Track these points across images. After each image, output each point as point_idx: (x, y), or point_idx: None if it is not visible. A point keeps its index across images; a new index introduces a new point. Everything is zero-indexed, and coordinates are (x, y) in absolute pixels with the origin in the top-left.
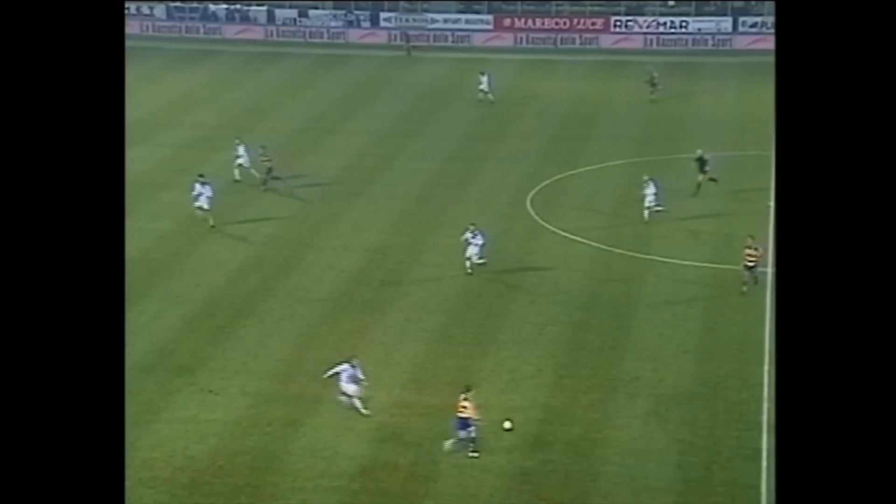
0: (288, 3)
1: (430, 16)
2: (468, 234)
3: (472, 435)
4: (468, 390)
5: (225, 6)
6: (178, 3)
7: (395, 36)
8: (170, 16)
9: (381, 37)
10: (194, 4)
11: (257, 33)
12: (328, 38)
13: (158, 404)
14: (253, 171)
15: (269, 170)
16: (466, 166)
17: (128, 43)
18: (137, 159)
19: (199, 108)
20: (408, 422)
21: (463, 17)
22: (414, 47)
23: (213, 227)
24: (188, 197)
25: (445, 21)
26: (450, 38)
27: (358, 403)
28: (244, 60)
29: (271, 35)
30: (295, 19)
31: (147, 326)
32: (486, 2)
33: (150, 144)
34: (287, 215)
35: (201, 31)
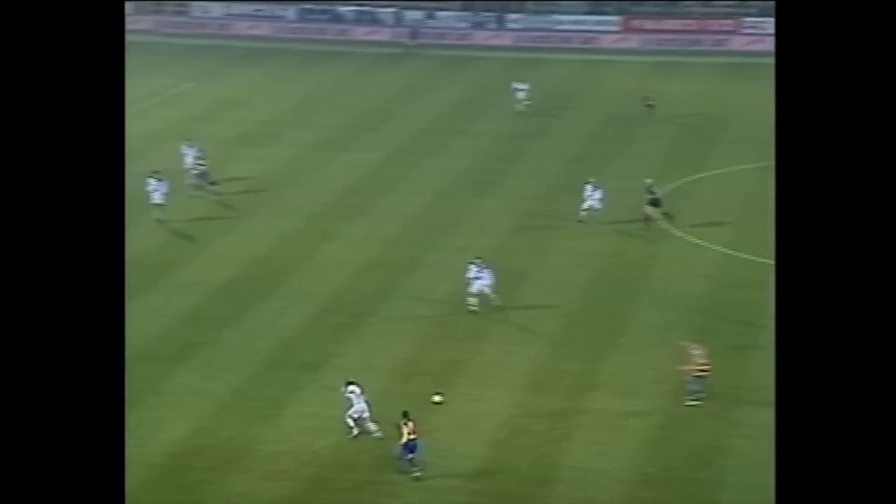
0: (415, 5)
1: (556, 17)
2: (473, 270)
3: (417, 456)
4: (406, 416)
5: (354, 8)
6: (309, 6)
7: (520, 38)
8: (301, 18)
9: (507, 38)
10: (325, 7)
11: (385, 35)
12: (454, 39)
13: (283, 400)
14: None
15: None
16: (590, 168)
17: (258, 45)
18: (265, 159)
19: (326, 108)
20: (527, 424)
21: (590, 18)
22: (417, 45)
23: (161, 221)
24: (313, 197)
25: (572, 22)
26: (576, 40)
27: (355, 426)
28: (371, 62)
29: (399, 37)
30: (422, 21)
31: (273, 323)
32: (614, 2)
33: (278, 145)
34: (409, 216)
35: (330, 32)
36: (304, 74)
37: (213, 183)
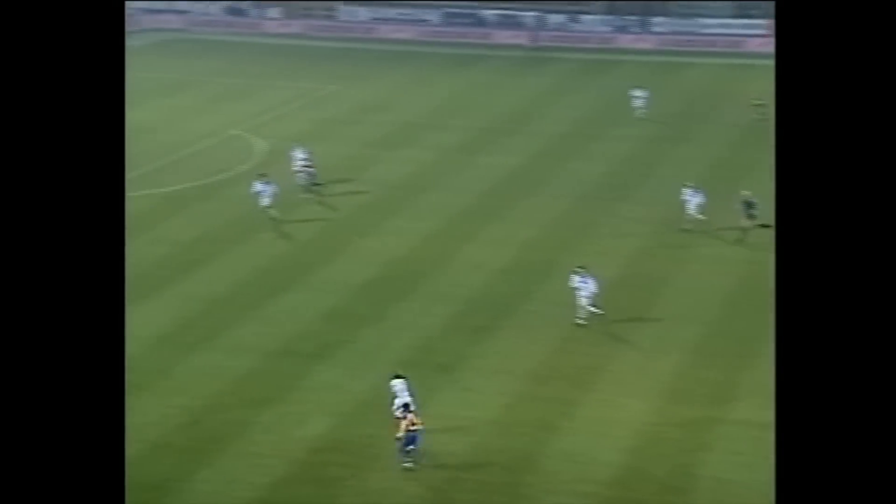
0: (559, 7)
1: (702, 20)
2: (577, 279)
3: (416, 447)
4: (406, 407)
5: (497, 12)
6: (452, 9)
7: (664, 41)
8: (444, 21)
9: (650, 42)
10: (468, 10)
11: (526, 38)
12: (597, 43)
13: (420, 399)
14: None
15: None
16: (733, 174)
17: (402, 48)
18: (405, 160)
19: (467, 111)
20: (664, 432)
21: (737, 21)
22: (536, 47)
23: (273, 218)
24: (453, 199)
25: (718, 26)
26: (722, 43)
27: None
28: (512, 65)
29: (541, 40)
30: (565, 24)
31: (411, 323)
32: (762, 1)
33: (419, 147)
34: (548, 219)
35: (473, 36)
36: (447, 77)
37: (316, 184)
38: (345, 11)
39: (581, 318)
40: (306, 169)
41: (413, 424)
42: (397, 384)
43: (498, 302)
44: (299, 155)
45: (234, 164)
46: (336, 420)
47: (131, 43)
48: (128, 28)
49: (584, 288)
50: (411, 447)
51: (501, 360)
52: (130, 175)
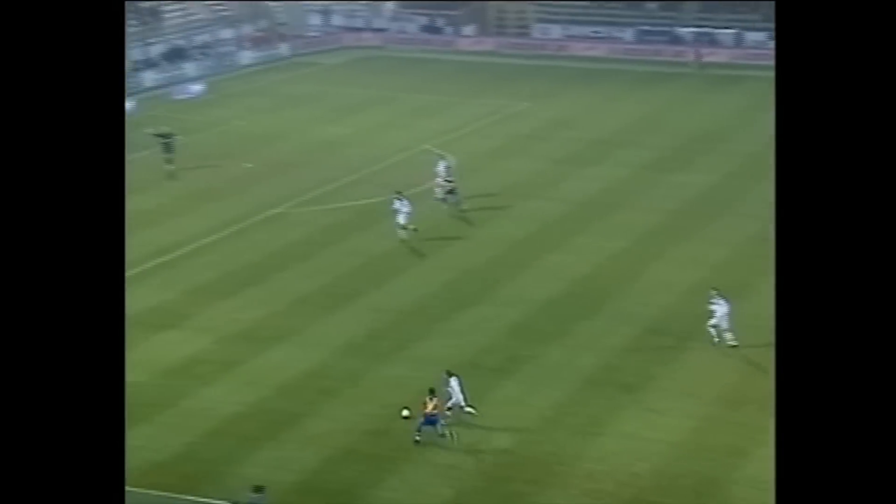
0: (760, 26)
1: None
2: (715, 303)
3: (436, 429)
4: (432, 392)
5: (693, 30)
6: (647, 27)
7: None
8: (638, 39)
9: None
10: (663, 28)
11: (724, 56)
12: None
13: (604, 418)
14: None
15: None
16: None
17: (594, 65)
18: (595, 177)
19: (658, 129)
20: None
21: None
22: (701, 65)
23: (404, 239)
24: (641, 217)
25: None
26: None
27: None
28: (708, 83)
29: (738, 58)
30: (763, 42)
31: (596, 341)
32: None
33: (608, 163)
34: (740, 240)
35: (667, 53)
36: (639, 95)
37: (450, 192)
38: (538, 29)
39: (716, 338)
40: (447, 183)
41: (435, 409)
42: (453, 382)
43: (685, 323)
44: (441, 168)
45: (425, 179)
46: (520, 435)
47: (332, 60)
48: (329, 45)
49: (717, 310)
50: (428, 427)
51: (688, 381)
52: (326, 188)
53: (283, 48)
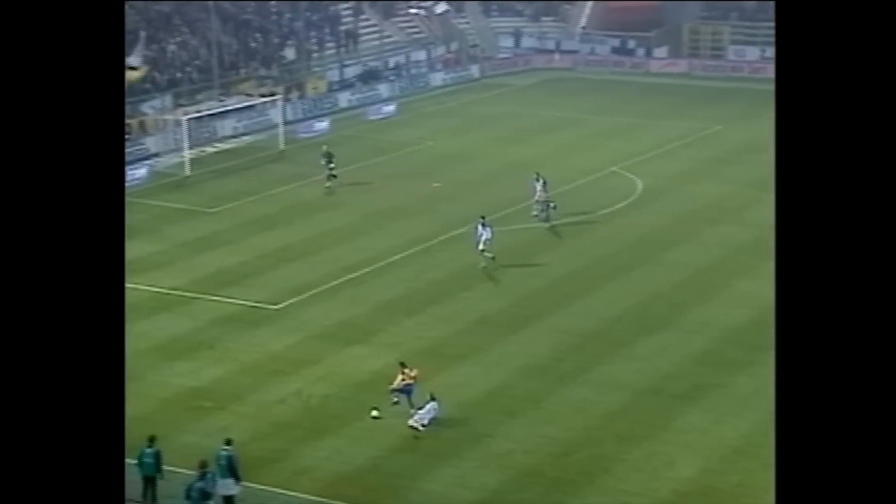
0: None
1: None
2: None
3: (409, 398)
4: (403, 365)
5: None
6: None
7: None
8: None
9: None
10: None
11: None
12: None
13: None
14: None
15: None
16: None
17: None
18: (702, 193)
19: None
20: None
21: None
22: None
23: (484, 267)
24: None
25: None
26: None
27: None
28: None
29: None
30: None
31: None
32: None
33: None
34: None
35: None
36: None
37: (549, 207)
38: (733, 50)
39: None
40: (543, 200)
41: (407, 379)
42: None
43: None
44: (538, 185)
45: (613, 201)
46: (705, 465)
47: (521, 81)
48: (519, 67)
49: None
50: (404, 396)
51: None
52: (512, 209)
53: (474, 69)
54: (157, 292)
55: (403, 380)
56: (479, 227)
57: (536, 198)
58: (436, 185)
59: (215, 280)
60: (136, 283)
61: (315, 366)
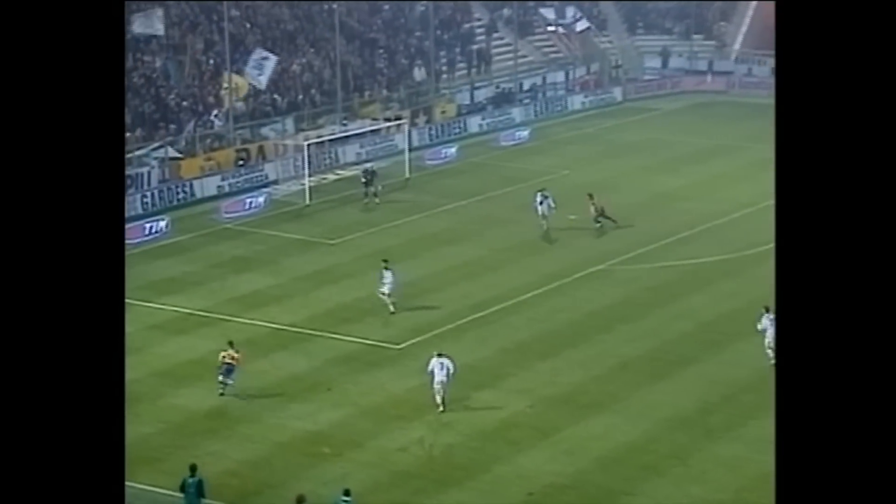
0: None
1: None
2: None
3: (229, 381)
4: (231, 345)
5: None
6: None
7: None
8: None
9: None
10: None
11: None
12: None
13: None
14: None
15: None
16: None
17: None
18: None
19: None
20: None
21: None
22: None
23: (392, 313)
24: None
25: None
26: None
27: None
28: None
29: None
30: None
31: None
32: None
33: None
34: None
35: None
36: None
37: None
38: None
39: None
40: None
41: (228, 359)
42: (441, 362)
43: None
44: (545, 202)
45: (770, 238)
46: None
47: (669, 105)
48: (666, 90)
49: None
50: (226, 378)
51: None
52: (656, 244)
53: (617, 92)
54: (274, 328)
55: (224, 358)
56: (383, 271)
57: (541, 214)
58: (572, 217)
59: (334, 316)
60: (252, 319)
61: (440, 411)
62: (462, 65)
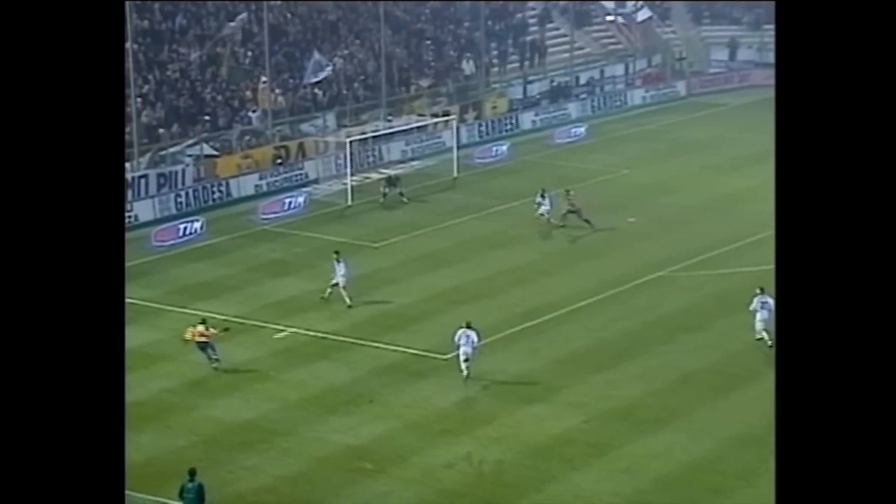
0: None
1: None
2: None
3: (214, 355)
4: (203, 322)
5: None
6: None
7: None
8: None
9: None
10: None
11: None
12: None
13: None
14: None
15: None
16: None
17: None
18: None
19: None
20: None
21: None
22: None
23: (323, 299)
24: None
25: None
26: None
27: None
28: None
29: None
30: None
31: None
32: None
33: None
34: None
35: None
36: None
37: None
38: None
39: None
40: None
41: (199, 336)
42: (467, 333)
43: None
44: (545, 202)
45: None
46: None
47: (736, 100)
48: (734, 84)
49: (761, 312)
50: (207, 353)
51: None
52: (721, 249)
53: (680, 86)
54: (314, 336)
55: (195, 336)
56: (335, 262)
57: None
58: (631, 219)
59: (377, 324)
60: (291, 326)
61: (488, 426)
62: (514, 57)
